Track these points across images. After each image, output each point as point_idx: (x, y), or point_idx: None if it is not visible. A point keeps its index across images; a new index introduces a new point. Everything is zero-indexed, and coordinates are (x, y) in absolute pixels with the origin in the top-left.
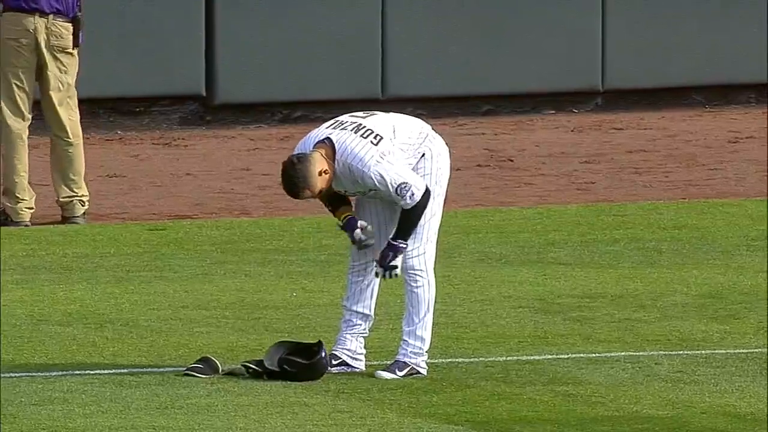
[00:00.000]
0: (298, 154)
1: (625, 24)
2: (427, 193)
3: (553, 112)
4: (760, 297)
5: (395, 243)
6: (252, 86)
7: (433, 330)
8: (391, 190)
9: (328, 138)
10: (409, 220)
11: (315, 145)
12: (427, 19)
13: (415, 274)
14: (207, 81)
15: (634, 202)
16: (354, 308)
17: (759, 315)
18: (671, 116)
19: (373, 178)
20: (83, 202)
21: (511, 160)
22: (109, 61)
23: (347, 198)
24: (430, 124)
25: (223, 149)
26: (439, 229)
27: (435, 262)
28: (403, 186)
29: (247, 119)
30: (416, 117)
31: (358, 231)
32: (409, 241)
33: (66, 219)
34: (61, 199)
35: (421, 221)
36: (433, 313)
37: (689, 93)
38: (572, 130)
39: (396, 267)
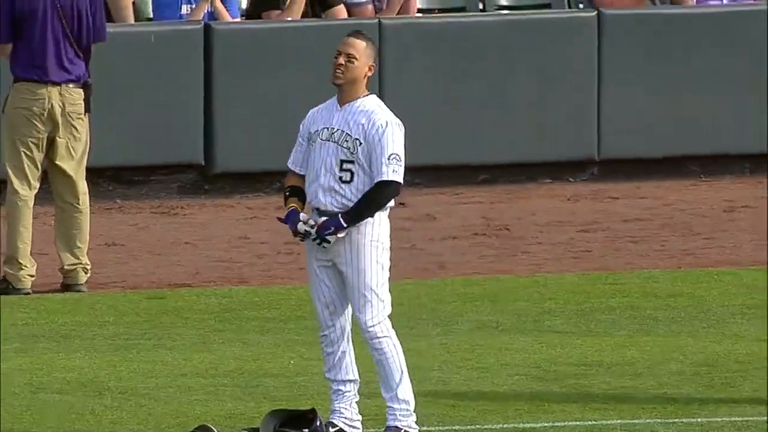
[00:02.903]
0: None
1: (620, 94)
2: (399, 187)
3: (550, 181)
4: (756, 365)
5: (341, 220)
6: (250, 156)
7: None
8: (385, 152)
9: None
10: (369, 203)
11: None
12: (425, 88)
13: (380, 342)
14: (205, 150)
15: (631, 271)
16: (338, 378)
17: (754, 383)
18: (667, 186)
19: (385, 127)
20: (86, 270)
21: (508, 229)
22: (107, 130)
23: (304, 194)
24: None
25: (221, 218)
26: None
27: (392, 322)
28: (397, 158)
29: (246, 188)
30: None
31: (301, 224)
32: (366, 311)
33: (68, 287)
34: (65, 267)
35: (373, 287)
36: (408, 372)
37: (685, 162)
38: (569, 200)
39: (329, 242)
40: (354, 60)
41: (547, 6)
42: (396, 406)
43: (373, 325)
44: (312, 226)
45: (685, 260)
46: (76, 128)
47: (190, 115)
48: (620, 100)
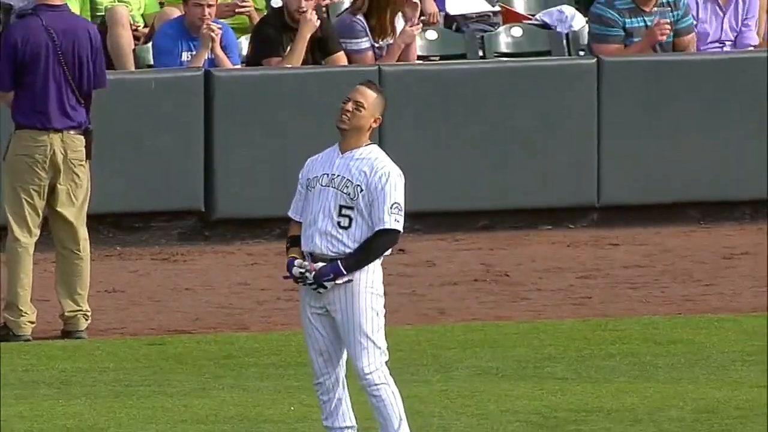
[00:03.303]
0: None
1: (620, 140)
2: (398, 237)
3: (550, 227)
4: (756, 412)
5: (340, 267)
6: (250, 201)
7: None
8: (387, 201)
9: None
10: (369, 252)
11: None
12: (425, 134)
13: (377, 389)
14: (206, 197)
15: (630, 317)
16: (336, 425)
17: (755, 430)
18: (667, 232)
19: (388, 176)
20: (87, 316)
21: (508, 275)
22: (108, 177)
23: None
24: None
25: (221, 264)
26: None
27: (392, 367)
28: (399, 208)
29: (246, 234)
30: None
31: (296, 268)
32: (363, 358)
33: (68, 333)
34: (66, 314)
35: (369, 334)
36: (407, 418)
37: (684, 209)
38: (568, 246)
39: (326, 288)
40: (362, 108)
41: (547, 53)
42: None
43: (370, 372)
44: (307, 270)
45: (685, 306)
46: (77, 175)
47: (191, 162)
48: (620, 146)
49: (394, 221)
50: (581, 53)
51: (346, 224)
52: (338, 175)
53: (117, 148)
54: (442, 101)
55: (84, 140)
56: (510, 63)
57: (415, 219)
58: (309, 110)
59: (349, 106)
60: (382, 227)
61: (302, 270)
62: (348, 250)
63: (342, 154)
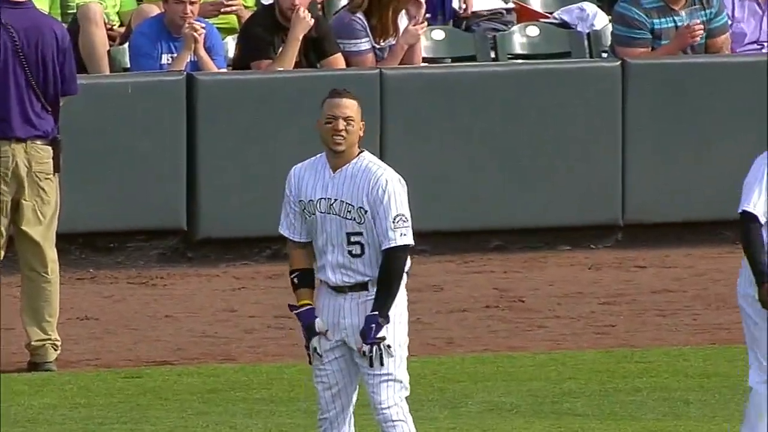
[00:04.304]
0: None
1: (647, 152)
2: (407, 254)
3: (569, 248)
4: None
5: (378, 319)
6: (238, 219)
7: None
8: (389, 215)
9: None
10: (390, 279)
11: None
12: (431, 145)
13: (394, 426)
14: (188, 214)
15: (659, 347)
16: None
17: None
18: (699, 253)
19: (387, 186)
20: (56, 346)
21: (523, 301)
22: (79, 192)
23: (313, 281)
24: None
25: (205, 289)
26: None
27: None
28: (403, 219)
29: (233, 256)
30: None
31: (315, 339)
32: (381, 391)
33: (35, 365)
34: (33, 343)
35: (391, 368)
36: None
37: (718, 228)
38: (590, 268)
39: (384, 338)
40: (352, 123)
41: (567, 55)
42: None
43: (388, 407)
44: (317, 350)
45: (719, 336)
46: (44, 189)
47: (171, 175)
48: (647, 158)
49: (401, 236)
50: (604, 55)
51: (359, 252)
52: (336, 200)
53: (89, 160)
54: (450, 108)
55: (51, 151)
56: (525, 66)
57: (421, 239)
58: (302, 118)
59: (341, 124)
60: (388, 246)
61: (320, 351)
62: (366, 279)
63: (334, 173)
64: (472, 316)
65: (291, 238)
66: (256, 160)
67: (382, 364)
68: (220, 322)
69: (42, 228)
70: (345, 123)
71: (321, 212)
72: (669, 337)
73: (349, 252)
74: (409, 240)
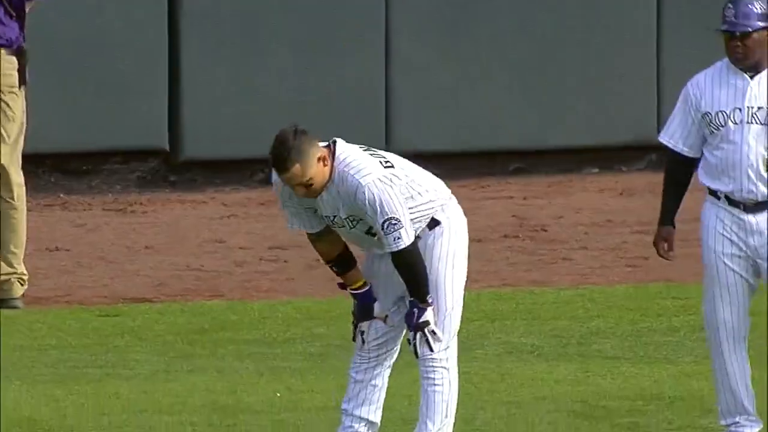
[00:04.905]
0: (302, 128)
1: (684, 62)
2: (409, 251)
3: (597, 171)
4: None
5: (417, 303)
6: (226, 138)
7: None
8: (378, 220)
9: (333, 142)
10: (410, 274)
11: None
12: (443, 59)
13: (434, 369)
14: (171, 133)
15: (698, 282)
16: (356, 413)
17: None
18: None
19: (365, 195)
20: (23, 281)
21: (546, 230)
22: (48, 108)
23: (354, 260)
24: (449, 186)
25: (190, 217)
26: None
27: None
28: (392, 222)
29: (221, 180)
30: None
31: (377, 307)
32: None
33: (1, 302)
34: None
35: (444, 312)
36: (454, 422)
37: None
38: (621, 193)
39: (428, 323)
40: (311, 179)
41: None
42: None
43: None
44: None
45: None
46: (8, 105)
47: (152, 89)
48: (684, 69)
49: (394, 241)
50: None
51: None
52: (335, 216)
53: (60, 72)
54: (465, 14)
55: (16, 62)
56: None
57: (433, 162)
58: (295, 24)
59: (301, 191)
60: (390, 251)
61: (368, 336)
62: None
63: (317, 197)
64: (489, 247)
65: (308, 231)
66: (248, 71)
67: (431, 350)
68: (207, 254)
69: (7, 148)
70: (304, 186)
71: (331, 222)
72: None
73: (378, 239)
74: (404, 243)
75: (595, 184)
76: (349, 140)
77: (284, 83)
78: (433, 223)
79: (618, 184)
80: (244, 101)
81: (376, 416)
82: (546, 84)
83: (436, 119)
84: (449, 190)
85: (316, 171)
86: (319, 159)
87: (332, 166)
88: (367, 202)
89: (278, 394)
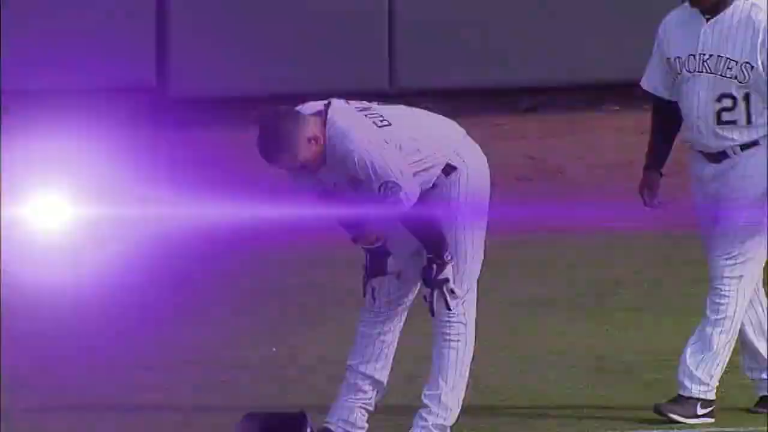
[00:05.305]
0: (285, 107)
1: None
2: (421, 211)
3: (618, 108)
4: None
5: (433, 264)
6: (220, 77)
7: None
8: (374, 185)
9: (328, 103)
10: (421, 235)
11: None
12: None
13: (450, 324)
14: (158, 69)
15: None
16: (362, 369)
17: None
18: None
19: (357, 163)
20: None
21: (562, 172)
22: (19, 49)
23: None
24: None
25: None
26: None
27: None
28: (390, 186)
29: (212, 118)
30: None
31: (390, 261)
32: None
33: None
34: None
35: (465, 257)
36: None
37: None
38: (643, 132)
39: (447, 280)
40: (304, 163)
41: None
42: (434, 408)
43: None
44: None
45: None
46: None
47: (138, 23)
48: None
49: (392, 205)
50: None
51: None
52: (337, 183)
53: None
54: None
55: None
56: None
57: (440, 99)
58: None
59: (298, 173)
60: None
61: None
62: None
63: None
64: (500, 190)
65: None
66: (243, 6)
67: (449, 308)
68: None
69: None
70: (299, 169)
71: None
72: None
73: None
74: (403, 206)
75: (616, 122)
76: (351, 74)
77: (282, 14)
78: (449, 169)
79: (640, 122)
80: (236, 36)
81: (383, 375)
82: (561, 15)
83: (443, 52)
84: (463, 130)
85: (307, 154)
86: (309, 139)
87: (325, 137)
88: (358, 167)
89: (274, 350)
